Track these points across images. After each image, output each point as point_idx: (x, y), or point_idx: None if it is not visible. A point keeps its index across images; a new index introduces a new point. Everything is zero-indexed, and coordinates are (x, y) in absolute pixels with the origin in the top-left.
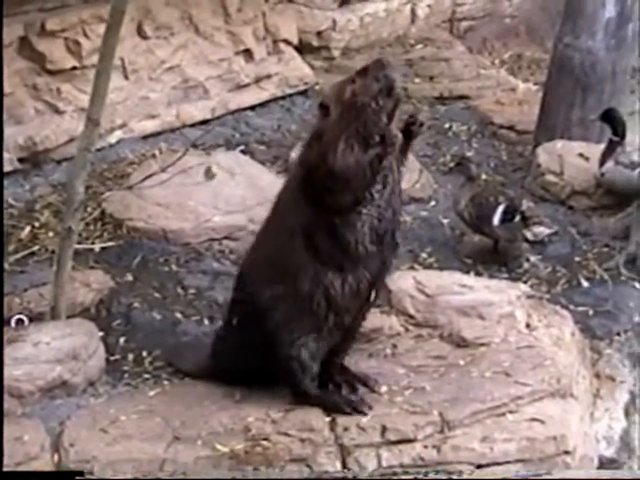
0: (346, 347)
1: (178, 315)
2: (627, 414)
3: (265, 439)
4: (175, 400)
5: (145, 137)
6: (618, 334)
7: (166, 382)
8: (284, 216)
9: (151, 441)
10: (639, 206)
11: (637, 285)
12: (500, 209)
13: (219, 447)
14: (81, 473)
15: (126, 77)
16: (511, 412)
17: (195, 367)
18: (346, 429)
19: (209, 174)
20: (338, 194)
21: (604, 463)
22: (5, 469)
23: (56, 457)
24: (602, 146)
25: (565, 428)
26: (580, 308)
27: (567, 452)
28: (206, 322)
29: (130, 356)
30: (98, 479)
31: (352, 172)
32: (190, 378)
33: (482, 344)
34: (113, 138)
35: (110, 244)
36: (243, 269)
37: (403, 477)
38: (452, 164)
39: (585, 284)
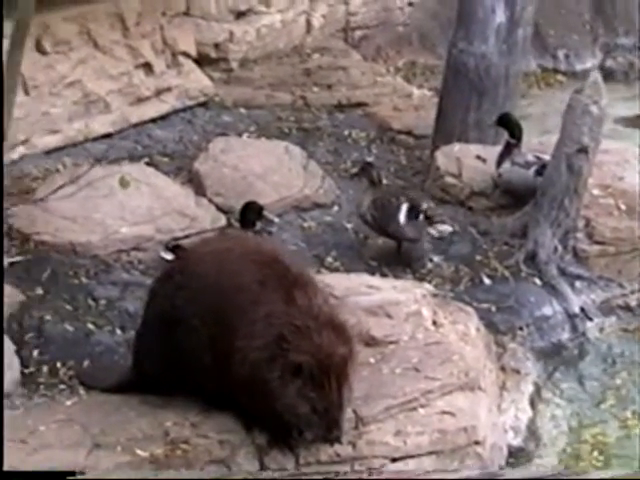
0: None
1: (90, 326)
2: (532, 405)
3: (184, 442)
4: (93, 408)
5: (48, 152)
6: (520, 329)
7: (82, 392)
8: None
9: (71, 449)
10: (535, 204)
11: (537, 281)
12: (404, 208)
13: (139, 452)
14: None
15: (27, 93)
16: (422, 406)
17: (113, 383)
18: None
19: (123, 182)
20: None
21: (513, 452)
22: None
23: None
24: (498, 148)
25: (475, 419)
26: (483, 305)
27: (477, 442)
28: (118, 332)
29: (45, 368)
30: (100, 479)
31: None
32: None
33: (391, 342)
34: (16, 154)
35: (18, 259)
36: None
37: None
38: (354, 170)
39: (487, 282)
